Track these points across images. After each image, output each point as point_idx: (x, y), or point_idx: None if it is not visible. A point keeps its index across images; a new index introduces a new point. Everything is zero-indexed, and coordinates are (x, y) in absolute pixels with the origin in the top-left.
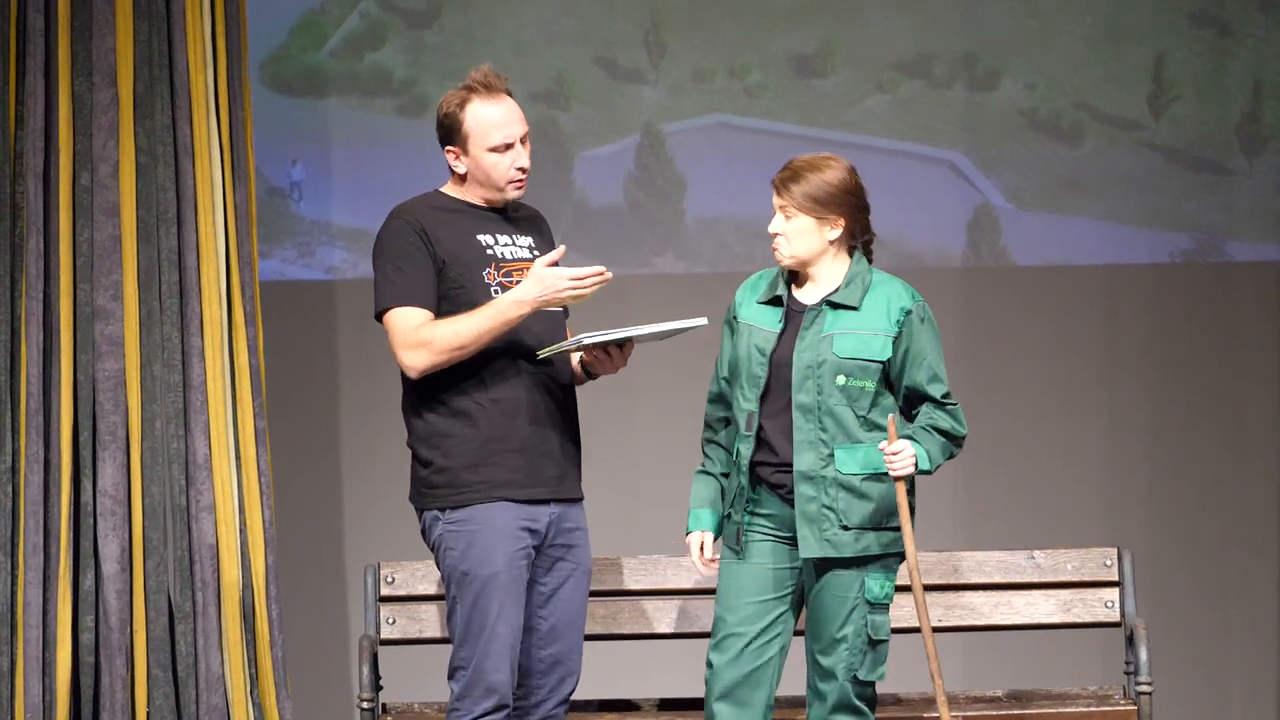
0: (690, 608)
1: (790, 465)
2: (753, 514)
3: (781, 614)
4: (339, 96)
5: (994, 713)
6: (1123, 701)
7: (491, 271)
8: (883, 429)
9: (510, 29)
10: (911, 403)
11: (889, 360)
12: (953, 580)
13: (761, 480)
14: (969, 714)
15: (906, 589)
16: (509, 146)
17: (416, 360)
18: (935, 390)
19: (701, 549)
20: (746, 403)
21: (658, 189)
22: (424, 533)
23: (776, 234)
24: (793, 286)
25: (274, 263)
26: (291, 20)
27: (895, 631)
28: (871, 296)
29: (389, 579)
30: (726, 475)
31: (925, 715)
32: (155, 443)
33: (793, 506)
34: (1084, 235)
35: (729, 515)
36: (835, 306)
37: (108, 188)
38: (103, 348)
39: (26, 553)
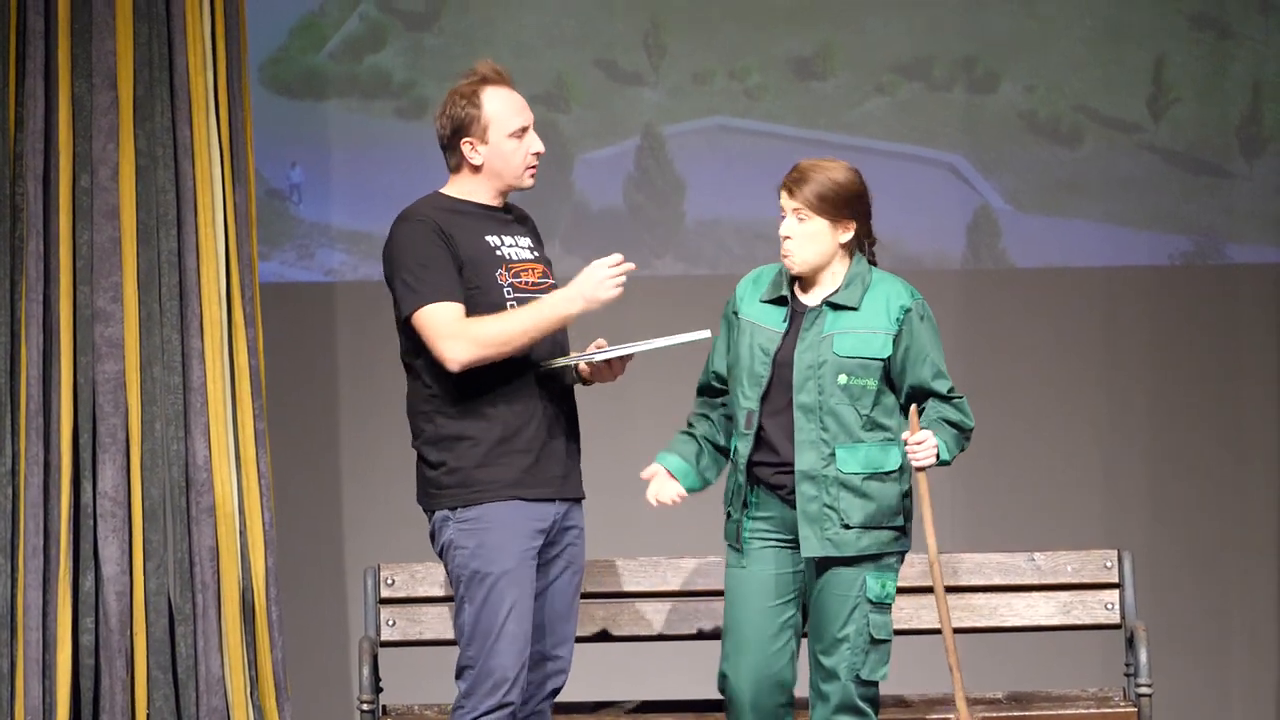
0: (688, 609)
1: (790, 465)
2: (753, 518)
3: (789, 617)
4: (339, 99)
5: (994, 714)
6: (1123, 703)
7: (503, 273)
8: (884, 428)
9: (510, 31)
10: (915, 400)
11: (889, 358)
12: (953, 582)
13: (760, 481)
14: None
15: (910, 591)
16: (525, 131)
17: (460, 352)
18: (941, 386)
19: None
20: (747, 401)
21: (657, 191)
22: (432, 535)
23: (787, 237)
24: (795, 286)
25: (273, 265)
26: (291, 22)
27: (902, 633)
28: (871, 296)
29: (389, 581)
30: (710, 442)
31: (929, 717)
32: (155, 445)
33: (792, 507)
34: (1083, 237)
35: (728, 514)
36: (835, 307)
37: (107, 190)
38: (102, 350)
39: (26, 555)
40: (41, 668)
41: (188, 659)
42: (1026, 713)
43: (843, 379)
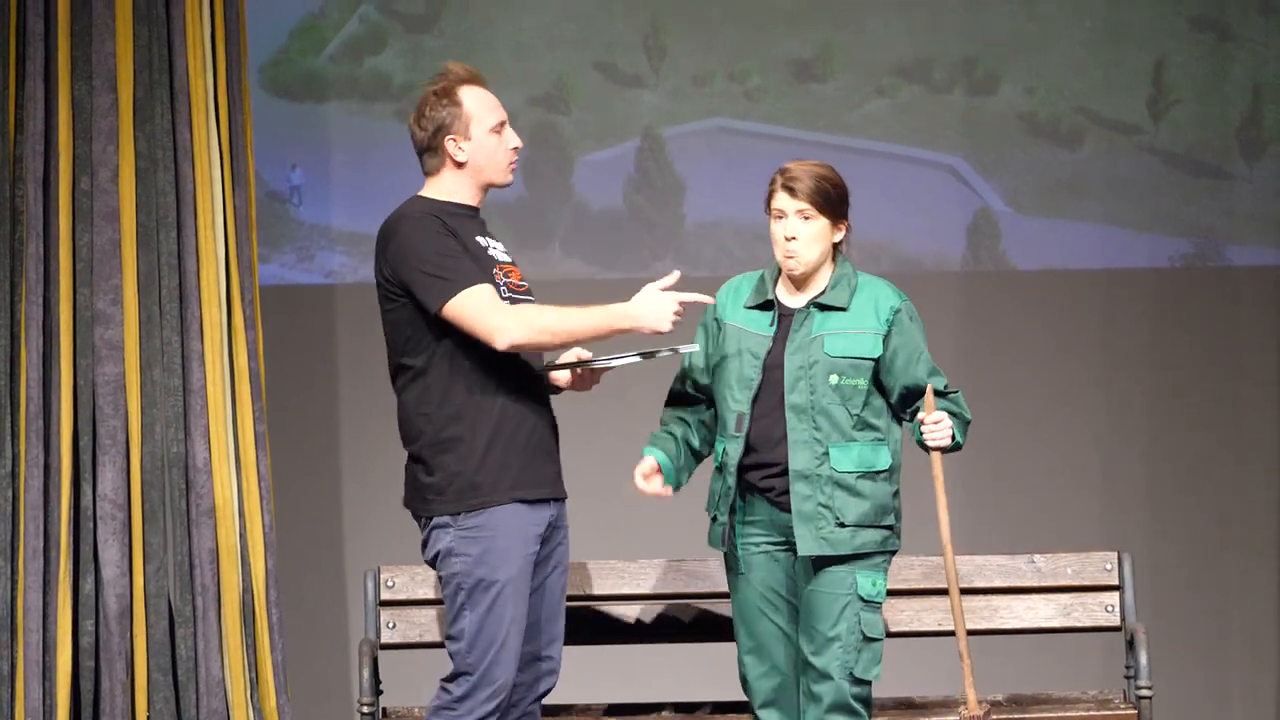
0: (686, 610)
1: (779, 467)
2: (744, 523)
3: (793, 616)
4: (338, 101)
5: (995, 717)
6: (1123, 705)
7: (498, 273)
8: (874, 428)
9: (510, 33)
10: (909, 400)
11: (879, 358)
12: None
13: (750, 486)
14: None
15: (911, 593)
16: (504, 126)
17: (515, 332)
18: (938, 383)
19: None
20: (737, 404)
21: (657, 193)
22: (425, 541)
23: (792, 238)
24: (779, 290)
25: (273, 267)
26: (291, 24)
27: (904, 635)
28: (859, 297)
29: (389, 583)
30: (687, 444)
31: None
32: (155, 447)
33: (781, 509)
34: (1083, 239)
35: (714, 517)
36: (824, 308)
37: (107, 192)
38: (102, 352)
39: (26, 557)
40: (41, 670)
41: (188, 661)
42: (1027, 715)
43: (834, 379)
